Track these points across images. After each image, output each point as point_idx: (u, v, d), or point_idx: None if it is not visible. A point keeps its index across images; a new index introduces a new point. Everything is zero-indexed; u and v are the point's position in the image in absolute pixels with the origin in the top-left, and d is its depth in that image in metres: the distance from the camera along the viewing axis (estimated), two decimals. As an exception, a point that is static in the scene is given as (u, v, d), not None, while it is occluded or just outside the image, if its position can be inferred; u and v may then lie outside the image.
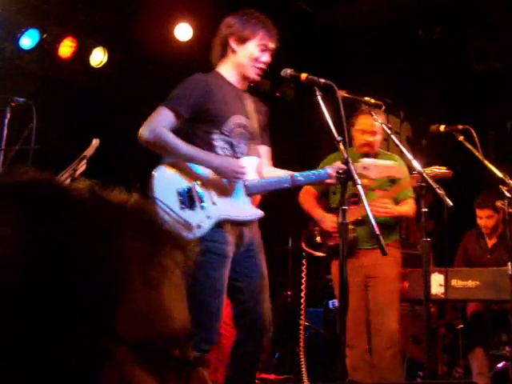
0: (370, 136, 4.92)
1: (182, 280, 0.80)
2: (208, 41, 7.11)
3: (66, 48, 6.92)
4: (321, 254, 4.83)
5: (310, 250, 4.87)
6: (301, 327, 4.10)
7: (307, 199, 5.06)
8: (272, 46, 3.66)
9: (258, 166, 3.68)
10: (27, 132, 4.63)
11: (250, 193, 3.58)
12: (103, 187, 0.82)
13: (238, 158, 3.59)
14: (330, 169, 3.46)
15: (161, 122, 3.46)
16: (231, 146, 3.58)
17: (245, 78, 3.70)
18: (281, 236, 7.34)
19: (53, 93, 6.79)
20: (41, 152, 4.49)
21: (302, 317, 5.78)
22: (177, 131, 3.51)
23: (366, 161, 3.60)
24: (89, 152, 3.95)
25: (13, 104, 4.88)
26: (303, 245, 4.90)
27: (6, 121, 4.86)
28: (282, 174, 3.67)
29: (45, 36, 6.74)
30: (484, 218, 6.22)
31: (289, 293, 7.30)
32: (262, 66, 3.64)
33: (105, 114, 7.22)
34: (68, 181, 3.76)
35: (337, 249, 4.71)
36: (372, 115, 4.90)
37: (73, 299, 0.70)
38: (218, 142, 3.55)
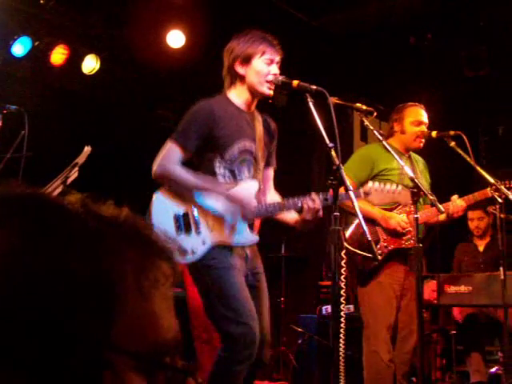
0: (425, 127, 4.85)
1: (170, 291, 0.82)
2: (200, 48, 7.14)
3: (58, 55, 6.93)
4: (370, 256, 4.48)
5: (359, 252, 4.55)
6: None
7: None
8: (277, 57, 3.63)
9: (257, 191, 3.66)
10: (19, 139, 4.62)
11: (247, 218, 3.59)
12: (94, 200, 0.83)
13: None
14: (306, 202, 3.43)
15: (170, 159, 3.53)
16: (233, 173, 3.60)
17: (257, 96, 3.68)
18: (274, 243, 7.33)
19: (45, 100, 6.79)
20: (33, 159, 4.48)
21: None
22: (184, 160, 3.57)
23: (368, 186, 3.58)
24: (80, 159, 3.94)
25: (5, 111, 4.86)
26: (347, 245, 4.54)
27: (-2, 128, 4.84)
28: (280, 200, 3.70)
29: (37, 43, 6.74)
30: (475, 220, 6.29)
31: (282, 299, 7.30)
32: (273, 78, 3.58)
33: (97, 121, 7.22)
34: (60, 188, 3.76)
35: (396, 252, 4.67)
36: (424, 107, 4.90)
37: (72, 313, 0.71)
38: (220, 169, 3.57)
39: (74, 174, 3.91)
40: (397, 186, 3.68)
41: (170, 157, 3.53)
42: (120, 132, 7.38)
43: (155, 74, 7.47)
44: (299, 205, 3.45)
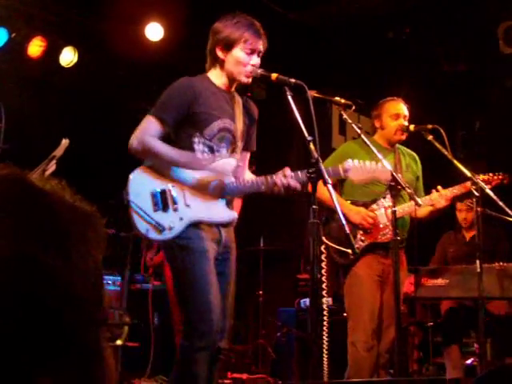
0: (405, 120, 4.87)
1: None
2: (179, 40, 7.11)
3: (36, 47, 6.86)
4: (348, 250, 4.40)
5: (337, 246, 4.51)
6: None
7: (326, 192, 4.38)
8: (260, 47, 3.61)
9: (235, 168, 3.67)
10: (-4, 132, 4.58)
11: (225, 194, 3.58)
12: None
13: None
14: (278, 177, 3.42)
15: (147, 131, 3.51)
16: (211, 150, 3.58)
17: (235, 82, 3.67)
18: (252, 236, 7.34)
19: (22, 92, 6.73)
20: (10, 152, 4.44)
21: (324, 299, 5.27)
22: (162, 135, 3.55)
23: (348, 163, 3.58)
24: (58, 152, 3.92)
25: (-19, 104, 4.82)
26: (325, 239, 4.47)
27: (-26, 121, 4.79)
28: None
29: (14, 35, 6.67)
30: (464, 211, 6.28)
31: (261, 292, 7.32)
32: (252, 68, 3.57)
33: (74, 113, 7.17)
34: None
35: (372, 246, 4.68)
36: (402, 100, 4.91)
37: (76, 301, 0.79)
38: (199, 145, 3.56)
39: (51, 167, 3.89)
40: (376, 163, 3.69)
41: (148, 130, 3.51)
42: (98, 124, 7.34)
43: (134, 66, 7.43)
44: (274, 182, 3.44)
